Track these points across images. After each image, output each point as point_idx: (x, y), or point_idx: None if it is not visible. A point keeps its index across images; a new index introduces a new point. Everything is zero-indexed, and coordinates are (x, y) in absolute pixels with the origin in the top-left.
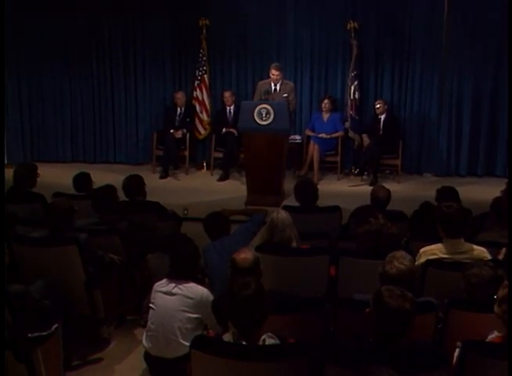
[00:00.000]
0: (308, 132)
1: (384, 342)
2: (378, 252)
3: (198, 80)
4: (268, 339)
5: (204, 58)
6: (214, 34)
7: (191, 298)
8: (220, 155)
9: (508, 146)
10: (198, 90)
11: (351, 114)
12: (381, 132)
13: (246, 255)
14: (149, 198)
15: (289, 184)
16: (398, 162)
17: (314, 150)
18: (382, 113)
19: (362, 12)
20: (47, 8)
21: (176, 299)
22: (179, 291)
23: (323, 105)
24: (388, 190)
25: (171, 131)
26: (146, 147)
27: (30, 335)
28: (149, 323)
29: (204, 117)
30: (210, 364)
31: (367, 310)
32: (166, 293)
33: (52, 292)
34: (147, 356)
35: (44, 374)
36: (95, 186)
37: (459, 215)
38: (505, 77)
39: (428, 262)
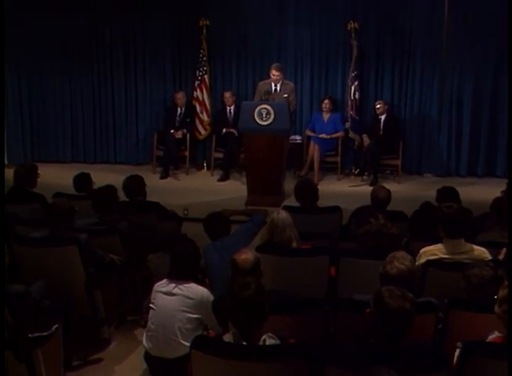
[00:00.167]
0: (309, 133)
1: (384, 343)
2: (378, 252)
3: (198, 80)
4: (269, 339)
5: (205, 58)
6: (214, 35)
7: (191, 299)
8: (220, 155)
9: (508, 146)
10: (198, 90)
11: (351, 115)
12: (381, 133)
13: (247, 256)
14: (149, 198)
15: (289, 184)
16: (399, 162)
17: (314, 150)
18: (382, 114)
19: (363, 12)
20: (47, 8)
21: (176, 299)
22: (179, 292)
23: (324, 105)
24: (388, 190)
25: (172, 131)
26: (146, 147)
27: (30, 335)
28: (149, 323)
29: (205, 117)
30: (210, 364)
31: (367, 310)
32: (166, 293)
33: (52, 292)
34: (147, 357)
35: (44, 375)
36: (95, 187)
37: (460, 215)
38: (505, 78)
39: (428, 262)
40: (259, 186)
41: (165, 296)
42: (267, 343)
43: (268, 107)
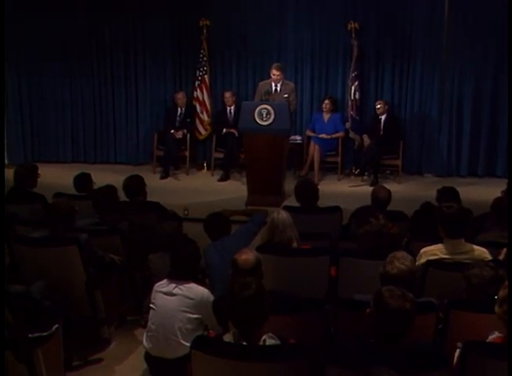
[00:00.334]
0: (309, 133)
1: (384, 343)
2: (379, 253)
3: (198, 80)
4: (269, 339)
5: (205, 58)
6: (214, 35)
7: (191, 299)
8: (220, 155)
9: (508, 146)
10: (198, 90)
11: (351, 115)
12: (382, 133)
13: (247, 256)
14: (149, 198)
15: (289, 184)
16: (399, 162)
17: (314, 150)
18: (382, 114)
19: (363, 12)
20: (47, 8)
21: (176, 299)
22: (180, 292)
23: (324, 105)
24: (389, 191)
25: (172, 131)
26: (146, 147)
27: (30, 335)
28: (149, 323)
29: (205, 117)
30: (210, 365)
31: (368, 311)
32: (166, 293)
33: (52, 292)
34: (147, 357)
35: (44, 375)
36: (95, 187)
37: (460, 215)
38: (505, 77)
39: (429, 262)
40: (259, 186)
41: (165, 296)
42: (267, 343)
43: (269, 107)
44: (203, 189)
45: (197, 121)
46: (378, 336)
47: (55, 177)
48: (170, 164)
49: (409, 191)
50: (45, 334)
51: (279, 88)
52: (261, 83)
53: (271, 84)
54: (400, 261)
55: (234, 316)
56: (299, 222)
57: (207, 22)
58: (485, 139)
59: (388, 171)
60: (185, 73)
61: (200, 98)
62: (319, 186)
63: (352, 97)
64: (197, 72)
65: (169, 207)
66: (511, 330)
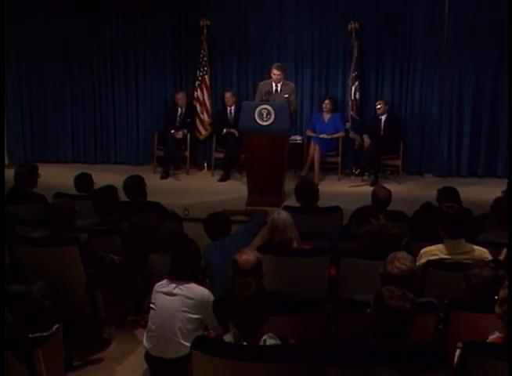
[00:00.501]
0: (309, 133)
1: (384, 343)
2: (379, 253)
3: (199, 80)
4: (269, 340)
5: (205, 58)
6: (214, 35)
7: (192, 299)
8: (221, 155)
9: (509, 146)
10: (199, 90)
11: (351, 115)
12: (382, 133)
13: (248, 257)
14: (149, 198)
15: (289, 184)
16: (399, 162)
17: (315, 150)
18: (383, 114)
19: (363, 12)
20: (47, 8)
21: (177, 300)
22: (180, 292)
23: (324, 105)
24: (389, 191)
25: (172, 131)
26: (146, 148)
27: (30, 335)
28: (149, 323)
29: (205, 117)
30: (210, 365)
31: (368, 311)
32: (166, 293)
33: (52, 292)
34: (148, 357)
35: (44, 375)
36: (95, 187)
37: (460, 215)
38: (505, 77)
39: (429, 262)
40: (259, 187)
41: (166, 296)
42: (267, 343)
43: (269, 107)
44: (203, 190)
45: (197, 121)
46: (378, 336)
47: (56, 177)
48: (170, 164)
49: (409, 191)
50: (45, 334)
51: (279, 88)
52: (262, 83)
53: (271, 84)
54: (400, 261)
55: (234, 316)
56: (299, 222)
57: (208, 22)
58: (486, 139)
59: (388, 172)
60: (186, 73)
61: (201, 98)
62: (319, 186)
63: (352, 97)
64: (197, 72)
65: (169, 208)
66: (511, 331)
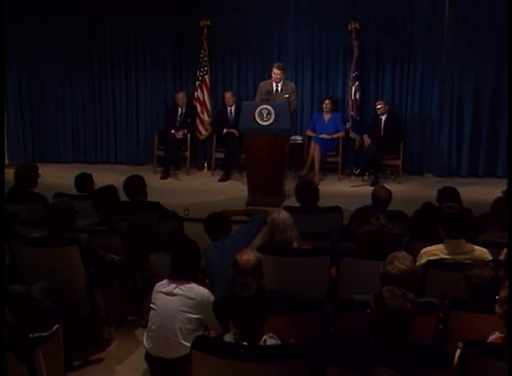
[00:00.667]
0: (309, 133)
1: (384, 343)
2: (379, 253)
3: (199, 80)
4: (269, 340)
5: (205, 58)
6: (214, 35)
7: (192, 299)
8: (221, 155)
9: (509, 146)
10: (199, 90)
11: (352, 115)
12: (382, 133)
13: (248, 257)
14: (149, 198)
15: (290, 184)
16: (399, 162)
17: (315, 150)
18: (383, 114)
19: (363, 12)
20: (47, 8)
21: (177, 300)
22: (180, 292)
23: (324, 105)
24: (389, 191)
25: (172, 131)
26: (146, 148)
27: (31, 336)
28: (149, 323)
29: (205, 117)
30: (211, 365)
31: (368, 311)
32: (167, 293)
33: (52, 292)
34: (148, 357)
35: (45, 375)
36: (96, 187)
37: (460, 215)
38: (505, 77)
39: (429, 262)
40: (260, 186)
41: (166, 296)
42: (267, 343)
43: (269, 107)
44: (203, 190)
45: (198, 121)
46: (378, 336)
47: (56, 177)
48: (170, 164)
49: (409, 191)
50: (45, 334)
51: (279, 88)
52: (262, 83)
53: (272, 84)
54: (400, 261)
55: (234, 316)
56: (299, 222)
57: (208, 22)
58: (486, 139)
59: (389, 171)
60: (186, 73)
61: (201, 98)
62: (319, 186)
63: (353, 97)
64: (198, 72)
65: (169, 208)
66: (511, 331)
